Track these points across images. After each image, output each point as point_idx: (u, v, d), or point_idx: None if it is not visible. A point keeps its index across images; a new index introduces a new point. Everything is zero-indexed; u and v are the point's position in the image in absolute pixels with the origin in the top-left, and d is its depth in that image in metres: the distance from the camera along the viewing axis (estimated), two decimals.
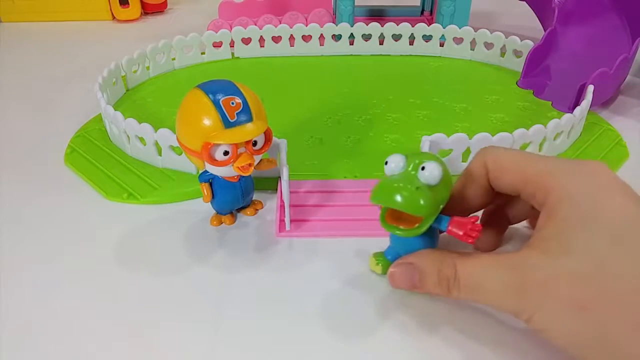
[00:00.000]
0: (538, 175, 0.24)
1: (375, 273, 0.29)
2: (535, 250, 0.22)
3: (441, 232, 0.26)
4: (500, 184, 0.25)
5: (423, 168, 0.24)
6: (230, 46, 0.57)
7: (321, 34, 0.57)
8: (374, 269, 0.28)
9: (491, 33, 0.54)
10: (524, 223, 0.30)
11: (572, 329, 0.20)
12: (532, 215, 0.29)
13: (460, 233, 0.24)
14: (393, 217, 0.25)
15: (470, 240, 0.24)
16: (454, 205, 0.26)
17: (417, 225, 0.24)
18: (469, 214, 0.27)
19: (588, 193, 0.22)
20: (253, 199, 0.34)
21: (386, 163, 0.25)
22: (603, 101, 0.47)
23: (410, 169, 0.24)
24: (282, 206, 0.33)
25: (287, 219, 0.32)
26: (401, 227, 0.25)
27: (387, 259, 0.28)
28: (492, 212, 0.29)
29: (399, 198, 0.23)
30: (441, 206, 0.25)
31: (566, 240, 0.21)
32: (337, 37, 0.58)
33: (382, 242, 0.30)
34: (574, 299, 0.20)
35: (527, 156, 0.25)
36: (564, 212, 0.22)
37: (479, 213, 0.29)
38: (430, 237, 0.26)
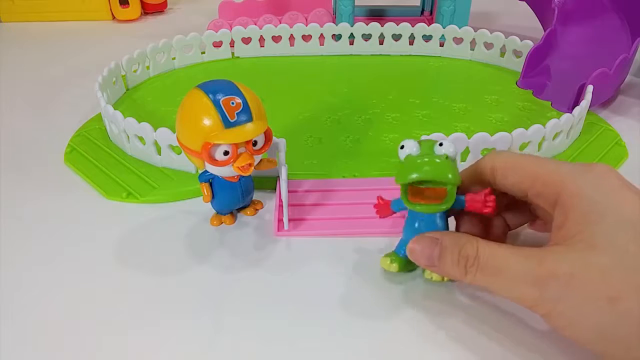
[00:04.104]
0: (548, 174, 0.24)
1: (387, 272, 0.28)
2: (560, 246, 0.22)
3: (458, 211, 0.27)
4: (507, 182, 0.26)
5: (441, 144, 0.25)
6: (231, 46, 0.57)
7: (321, 34, 0.57)
8: (388, 269, 0.28)
9: (491, 33, 0.54)
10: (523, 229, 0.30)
11: (601, 320, 0.20)
12: (531, 220, 0.29)
13: (479, 204, 0.25)
14: (414, 197, 0.26)
15: (488, 210, 0.25)
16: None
17: (441, 201, 0.25)
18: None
19: (601, 191, 0.22)
20: (253, 198, 0.34)
21: (401, 147, 0.25)
22: (602, 101, 0.47)
23: (426, 150, 0.25)
24: (280, 205, 0.33)
25: (285, 219, 0.32)
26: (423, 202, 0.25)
27: (400, 256, 0.28)
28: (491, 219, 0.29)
29: (427, 168, 0.24)
30: (458, 184, 0.25)
31: (590, 235, 0.21)
32: (337, 37, 0.58)
33: (381, 241, 0.30)
34: (603, 290, 0.20)
35: (535, 157, 0.25)
36: (582, 208, 0.22)
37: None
38: (444, 227, 0.27)
